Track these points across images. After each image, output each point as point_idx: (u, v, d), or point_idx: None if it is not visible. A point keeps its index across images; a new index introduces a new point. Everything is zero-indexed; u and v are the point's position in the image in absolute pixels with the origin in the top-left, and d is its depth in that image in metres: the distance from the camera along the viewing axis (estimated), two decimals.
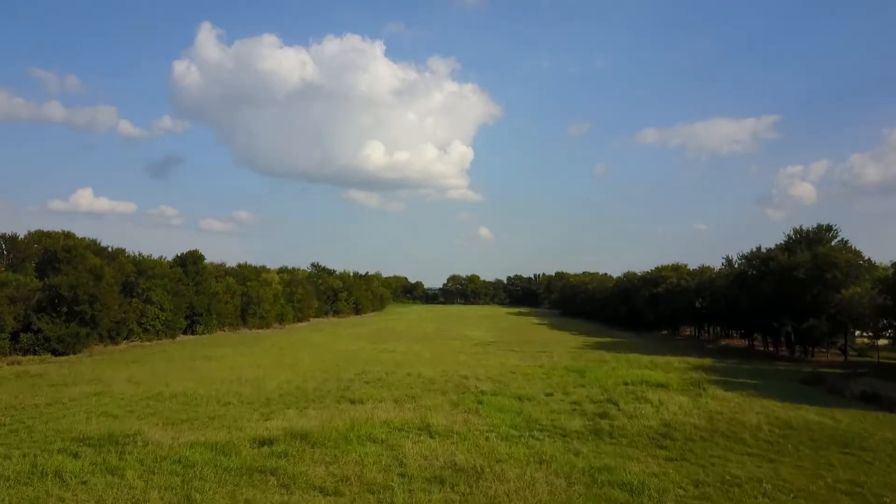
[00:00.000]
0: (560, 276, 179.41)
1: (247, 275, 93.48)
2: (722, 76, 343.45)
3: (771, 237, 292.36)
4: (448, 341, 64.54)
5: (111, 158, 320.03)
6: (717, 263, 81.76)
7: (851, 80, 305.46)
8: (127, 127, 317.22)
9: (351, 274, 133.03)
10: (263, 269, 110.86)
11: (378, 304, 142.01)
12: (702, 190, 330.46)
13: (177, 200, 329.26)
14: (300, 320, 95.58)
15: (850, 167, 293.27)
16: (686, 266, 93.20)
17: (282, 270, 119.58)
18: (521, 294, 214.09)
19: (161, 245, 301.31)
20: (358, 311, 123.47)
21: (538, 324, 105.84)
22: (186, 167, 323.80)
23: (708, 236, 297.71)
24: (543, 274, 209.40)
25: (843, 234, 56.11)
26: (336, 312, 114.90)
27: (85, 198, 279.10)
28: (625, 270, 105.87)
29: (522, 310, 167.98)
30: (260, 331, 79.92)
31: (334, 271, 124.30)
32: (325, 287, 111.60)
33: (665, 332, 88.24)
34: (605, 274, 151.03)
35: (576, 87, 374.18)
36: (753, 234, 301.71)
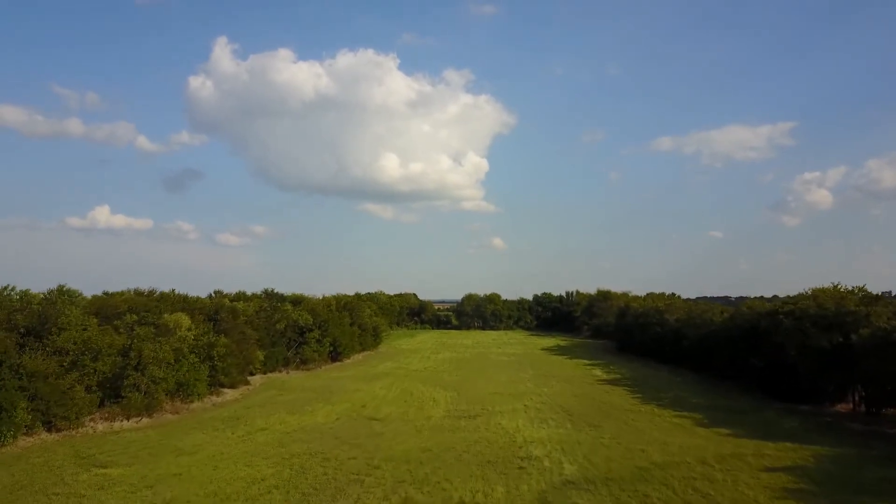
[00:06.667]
0: (604, 295, 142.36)
1: (146, 313, 59.24)
2: (737, 83, 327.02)
3: (786, 244, 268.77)
4: (477, 476, 28.73)
5: (129, 174, 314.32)
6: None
7: (868, 85, 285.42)
8: (144, 142, 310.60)
9: (333, 302, 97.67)
10: (190, 296, 75.63)
11: (370, 339, 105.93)
12: (716, 197, 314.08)
13: (193, 215, 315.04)
14: (232, 386, 60.00)
15: (866, 172, 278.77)
16: (858, 288, 56.93)
17: (238, 297, 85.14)
18: (552, 317, 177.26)
19: (177, 261, 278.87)
20: (337, 356, 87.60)
21: (606, 380, 69.40)
22: (203, 181, 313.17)
23: (723, 243, 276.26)
24: (578, 291, 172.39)
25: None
26: (304, 362, 79.28)
27: (102, 214, 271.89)
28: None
29: (560, 341, 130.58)
30: (126, 424, 44.01)
31: (303, 298, 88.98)
32: (283, 325, 76.25)
33: (842, 405, 51.57)
34: (674, 295, 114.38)
35: (589, 95, 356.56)
36: (769, 242, 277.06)
